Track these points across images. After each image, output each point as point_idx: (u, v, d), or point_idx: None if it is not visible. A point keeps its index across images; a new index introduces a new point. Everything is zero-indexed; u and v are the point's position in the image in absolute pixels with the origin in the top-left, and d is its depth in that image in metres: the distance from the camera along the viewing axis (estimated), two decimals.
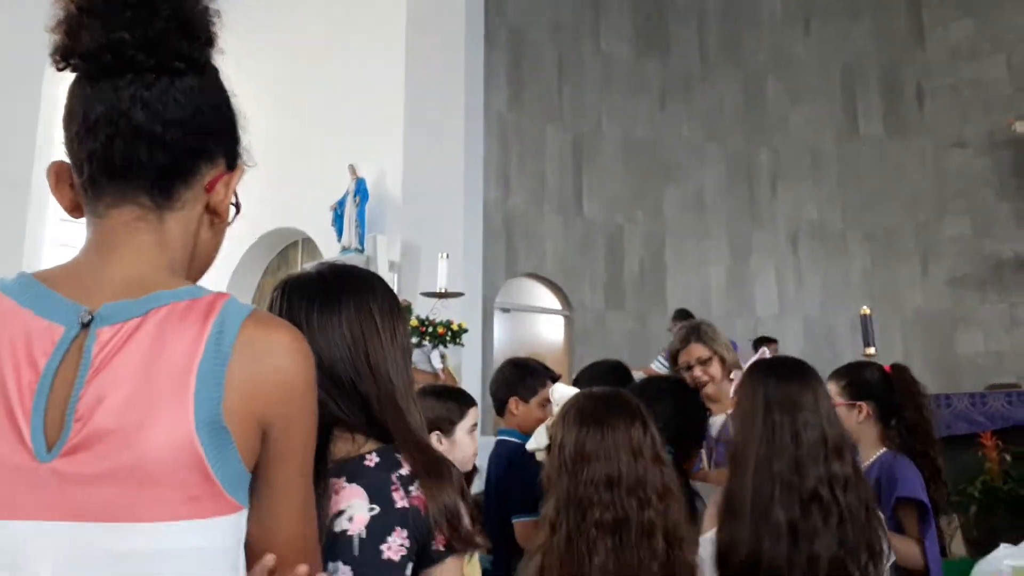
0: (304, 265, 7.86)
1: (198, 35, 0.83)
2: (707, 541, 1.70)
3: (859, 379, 2.33)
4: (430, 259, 5.63)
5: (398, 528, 1.05)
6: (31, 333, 0.75)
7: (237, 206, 0.93)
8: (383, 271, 7.38)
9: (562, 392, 1.74)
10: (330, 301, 1.16)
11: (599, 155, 8.96)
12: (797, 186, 9.36)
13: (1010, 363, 8.07)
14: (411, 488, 1.07)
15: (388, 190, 7.73)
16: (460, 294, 5.70)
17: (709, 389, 2.81)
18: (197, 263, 0.91)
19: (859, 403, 2.28)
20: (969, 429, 4.74)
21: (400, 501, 1.06)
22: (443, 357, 6.36)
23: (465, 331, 5.32)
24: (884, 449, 2.27)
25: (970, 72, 8.98)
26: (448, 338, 5.69)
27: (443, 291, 5.39)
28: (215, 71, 0.88)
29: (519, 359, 2.80)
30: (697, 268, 9.21)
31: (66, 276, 0.81)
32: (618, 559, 1.38)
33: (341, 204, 7.89)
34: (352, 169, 7.96)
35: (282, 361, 0.81)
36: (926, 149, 9.08)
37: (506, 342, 7.86)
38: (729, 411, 2.13)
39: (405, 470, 1.08)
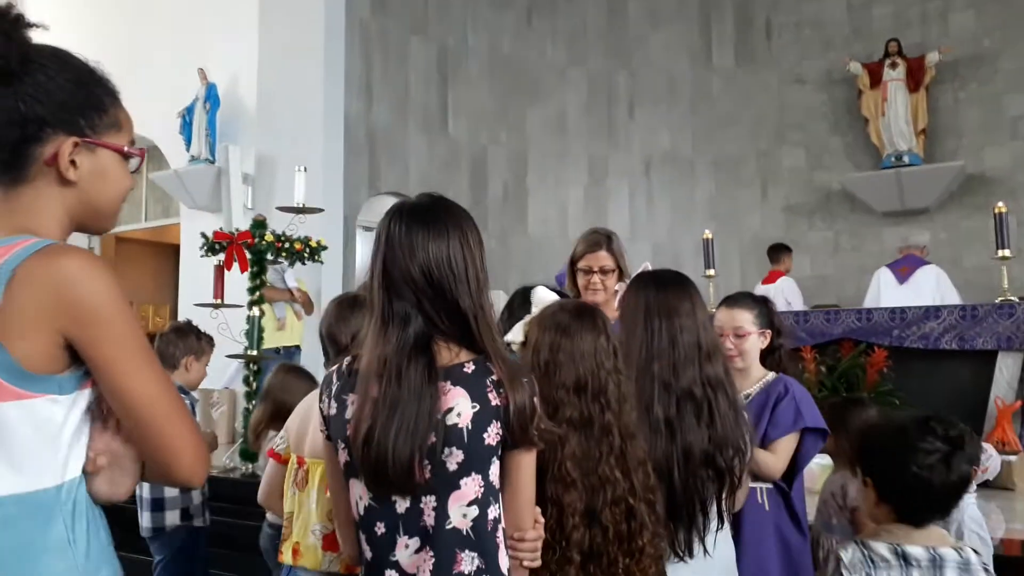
0: (390, 202, 7.57)
1: None
2: None
3: (764, 309, 2.46)
4: (287, 172, 5.44)
5: (494, 421, 1.33)
6: None
7: (125, 153, 1.17)
8: (236, 183, 7.07)
9: (542, 296, 1.86)
10: (440, 228, 1.37)
11: (465, 70, 8.84)
12: (653, 111, 9.65)
13: (833, 286, 8.88)
14: (501, 390, 1.34)
15: (241, 98, 7.33)
16: (319, 210, 5.56)
17: (598, 298, 2.81)
18: (87, 214, 1.17)
19: (765, 331, 2.42)
20: (792, 344, 5.23)
21: (494, 400, 1.33)
22: (299, 280, 6.23)
23: (325, 248, 5.23)
24: (773, 373, 2.40)
25: (813, 11, 9.48)
26: (306, 255, 5.58)
27: (300, 206, 5.24)
28: (45, 66, 1.10)
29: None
30: (556, 189, 9.40)
31: None
32: (584, 450, 1.54)
33: (190, 111, 7.42)
34: (202, 74, 7.46)
35: (62, 284, 1.03)
36: (771, 82, 9.59)
37: (369, 261, 7.79)
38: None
39: (495, 376, 1.35)
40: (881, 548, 1.67)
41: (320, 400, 1.47)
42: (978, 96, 8.68)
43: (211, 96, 7.42)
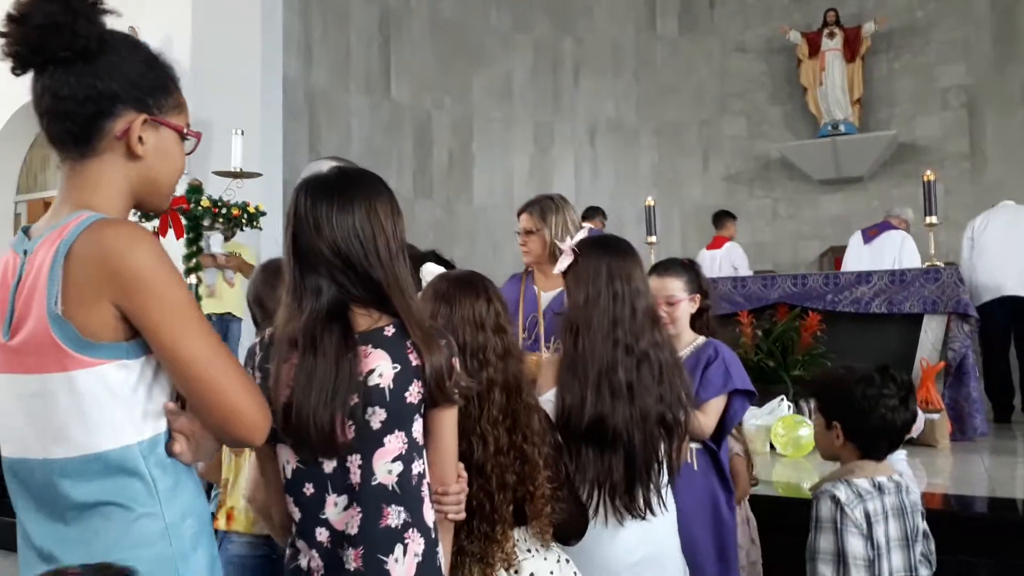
0: (318, 164, 7.33)
1: (77, 31, 1.15)
2: (546, 402, 1.87)
3: (694, 275, 2.51)
4: (223, 136, 5.28)
5: (415, 380, 1.38)
6: (8, 264, 1.21)
7: (185, 134, 1.27)
8: None
9: (430, 270, 1.94)
10: (345, 201, 1.40)
11: (408, 33, 8.68)
12: (598, 78, 9.65)
13: (770, 252, 9.09)
14: (420, 351, 1.38)
15: (175, 59, 7.04)
16: (257, 174, 5.43)
17: (527, 259, 2.92)
18: (147, 189, 1.26)
19: (694, 296, 2.47)
20: (731, 309, 5.35)
21: (414, 361, 1.38)
22: (229, 246, 6.09)
23: (263, 214, 5.12)
24: (702, 337, 2.47)
25: None
26: (244, 221, 5.45)
27: (238, 171, 5.11)
28: (118, 48, 1.20)
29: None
30: (502, 156, 9.36)
31: (43, 219, 1.23)
32: (463, 408, 1.58)
33: None
34: (132, 32, 7.17)
35: (106, 256, 1.10)
36: (713, 50, 9.67)
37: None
38: (562, 288, 2.23)
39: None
40: (863, 483, 1.92)
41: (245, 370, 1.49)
42: (911, 67, 8.90)
43: None
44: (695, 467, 2.30)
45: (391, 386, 1.36)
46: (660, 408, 1.89)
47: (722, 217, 7.70)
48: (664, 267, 2.53)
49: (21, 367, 1.14)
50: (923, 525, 1.99)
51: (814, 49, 8.95)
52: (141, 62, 1.23)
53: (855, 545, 1.85)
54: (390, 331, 1.40)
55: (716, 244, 7.52)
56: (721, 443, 2.36)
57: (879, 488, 1.92)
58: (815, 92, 8.96)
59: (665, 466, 1.95)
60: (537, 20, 9.52)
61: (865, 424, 1.94)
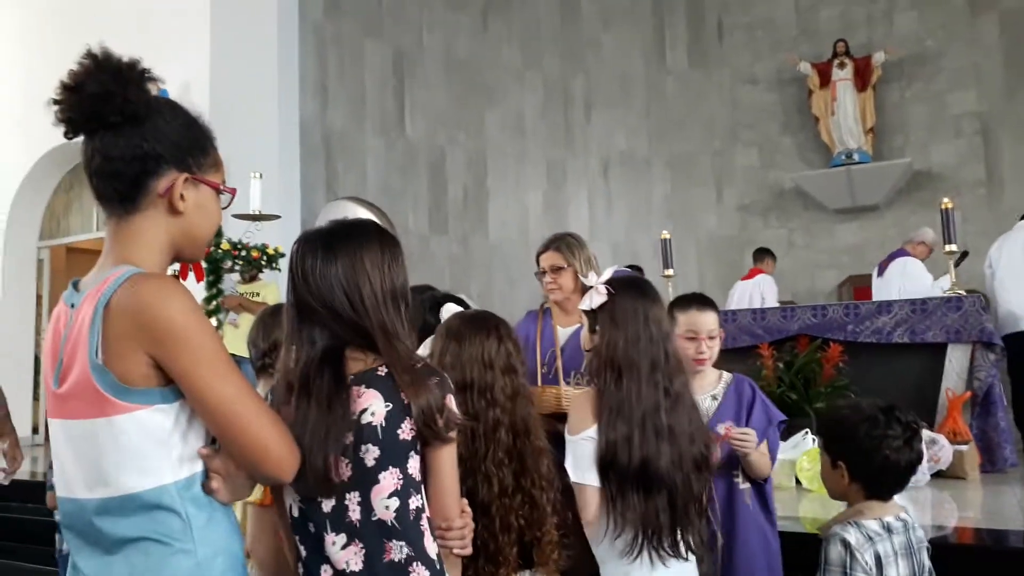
0: (337, 204, 7.74)
1: (127, 98, 1.24)
2: (585, 440, 1.86)
3: (718, 311, 2.53)
4: (242, 179, 5.36)
5: (407, 418, 1.42)
6: (59, 316, 1.30)
7: (220, 190, 1.36)
8: None
9: (449, 310, 2.00)
10: (328, 254, 1.46)
11: (421, 72, 8.81)
12: (609, 113, 9.73)
13: (787, 282, 9.04)
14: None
15: (194, 103, 7.17)
16: (276, 216, 5.50)
17: (556, 296, 2.93)
18: (186, 242, 1.35)
19: (722, 330, 2.49)
20: (751, 341, 5.30)
21: (406, 399, 1.42)
22: (247, 281, 6.14)
23: (282, 255, 5.17)
24: (725, 372, 2.48)
25: (763, 12, 9.66)
26: (264, 262, 5.49)
27: (257, 213, 5.18)
28: (161, 112, 1.30)
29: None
30: (516, 191, 9.41)
31: (91, 272, 1.32)
32: (469, 445, 1.60)
33: None
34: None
35: (139, 309, 1.18)
36: (723, 82, 9.73)
37: None
38: (580, 324, 2.25)
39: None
40: (872, 524, 1.92)
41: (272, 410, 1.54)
42: (923, 95, 8.92)
43: None
44: (750, 506, 2.33)
45: (383, 424, 1.40)
46: (694, 449, 1.90)
47: (763, 253, 7.77)
48: (701, 302, 2.50)
49: (69, 413, 1.24)
50: (928, 563, 1.99)
51: (825, 79, 9.00)
52: (182, 124, 1.33)
53: None
54: (383, 371, 1.44)
55: (750, 275, 7.53)
56: (768, 477, 2.39)
57: (888, 529, 1.92)
58: (827, 121, 8.98)
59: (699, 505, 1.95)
60: (546, 56, 9.64)
61: (869, 464, 1.94)
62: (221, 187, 1.38)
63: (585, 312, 2.03)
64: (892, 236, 8.22)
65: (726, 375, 2.47)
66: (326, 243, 1.48)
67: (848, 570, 1.85)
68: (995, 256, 5.80)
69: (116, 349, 1.19)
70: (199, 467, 1.25)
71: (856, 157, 8.74)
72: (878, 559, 1.87)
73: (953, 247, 5.26)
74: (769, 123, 9.55)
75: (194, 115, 1.36)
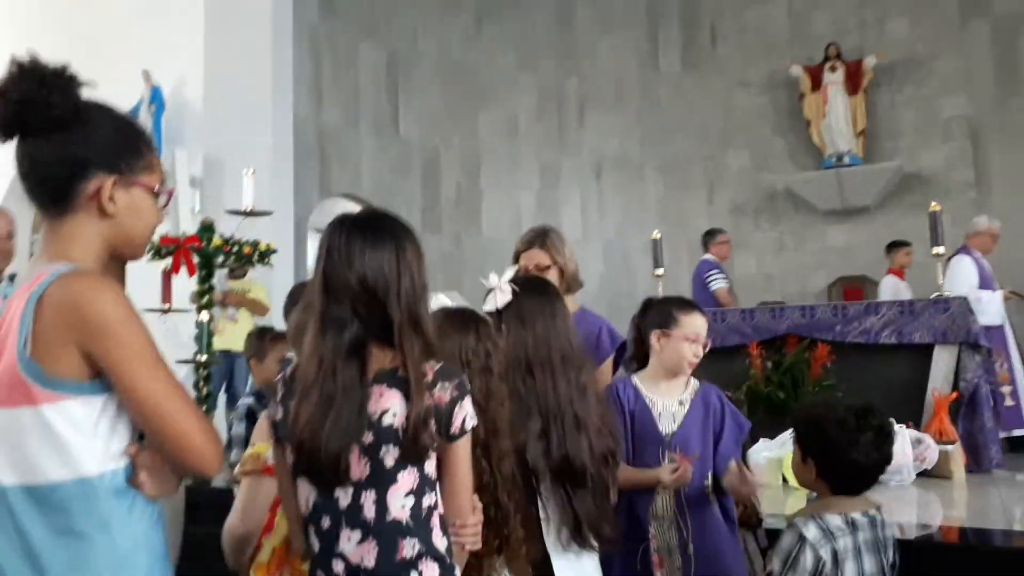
0: (333, 201, 7.61)
1: (52, 104, 1.25)
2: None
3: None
4: (235, 175, 5.37)
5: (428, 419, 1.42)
6: None
7: (155, 192, 1.37)
8: (183, 186, 6.95)
9: (439, 300, 1.93)
10: (378, 238, 1.48)
11: (415, 75, 8.83)
12: (602, 116, 9.76)
13: (778, 283, 9.09)
14: (433, 391, 1.44)
15: (188, 100, 7.21)
16: (268, 213, 5.50)
17: None
18: (121, 243, 1.37)
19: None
20: (739, 340, 5.34)
21: (427, 400, 1.43)
22: (236, 278, 6.14)
23: (274, 251, 5.17)
24: (694, 379, 2.45)
25: (756, 17, 9.70)
26: (255, 258, 5.50)
27: (249, 209, 5.18)
28: (91, 116, 1.31)
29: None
30: (509, 193, 9.44)
31: (26, 268, 1.32)
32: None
33: (134, 114, 7.25)
34: (146, 75, 7.32)
35: (73, 304, 1.20)
36: (716, 86, 9.77)
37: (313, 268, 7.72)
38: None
39: (428, 378, 1.45)
40: (835, 519, 1.91)
41: (269, 409, 1.58)
42: (914, 99, 8.98)
43: (156, 99, 7.27)
44: (721, 518, 2.36)
45: (404, 424, 1.41)
46: (601, 441, 1.92)
47: (707, 236, 7.53)
48: (694, 306, 2.48)
49: None
50: (895, 558, 2.00)
51: (816, 83, 9.05)
52: (112, 128, 1.34)
53: None
54: (402, 372, 1.45)
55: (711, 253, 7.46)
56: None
57: (852, 525, 1.92)
58: (819, 125, 9.03)
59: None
60: (541, 60, 9.67)
61: (836, 465, 1.95)
62: (155, 188, 1.38)
63: (488, 314, 1.98)
64: (882, 238, 8.26)
65: (694, 381, 2.45)
66: (374, 228, 1.50)
67: (791, 562, 1.85)
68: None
69: (46, 342, 1.21)
70: (123, 461, 1.26)
71: (847, 160, 8.79)
72: (835, 555, 1.86)
73: (941, 249, 5.31)
74: (761, 126, 9.59)
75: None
